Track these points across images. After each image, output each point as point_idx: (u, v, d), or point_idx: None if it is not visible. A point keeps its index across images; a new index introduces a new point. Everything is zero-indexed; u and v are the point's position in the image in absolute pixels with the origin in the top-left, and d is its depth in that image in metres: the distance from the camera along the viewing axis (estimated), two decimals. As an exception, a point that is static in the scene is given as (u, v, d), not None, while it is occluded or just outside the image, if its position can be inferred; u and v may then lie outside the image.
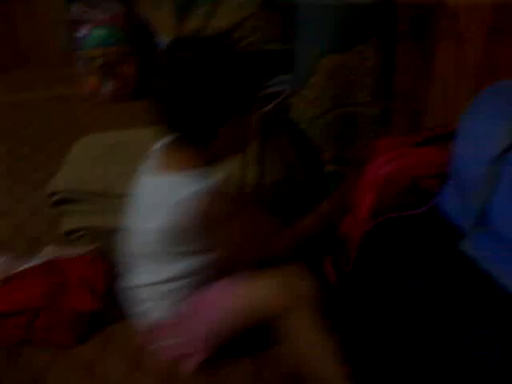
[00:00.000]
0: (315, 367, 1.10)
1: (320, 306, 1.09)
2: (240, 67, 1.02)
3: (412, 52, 1.72)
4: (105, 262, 1.44)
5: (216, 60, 0.98)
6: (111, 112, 2.73)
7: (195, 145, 1.04)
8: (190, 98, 0.98)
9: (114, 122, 2.56)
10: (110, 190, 1.50)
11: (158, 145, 1.15)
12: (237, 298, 1.11)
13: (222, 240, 1.07)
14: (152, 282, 1.13)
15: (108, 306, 1.37)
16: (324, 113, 1.63)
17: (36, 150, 2.34)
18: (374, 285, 1.12)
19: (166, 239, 1.06)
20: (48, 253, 1.48)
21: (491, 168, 0.99)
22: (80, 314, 1.33)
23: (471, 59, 1.47)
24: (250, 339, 1.19)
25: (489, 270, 0.97)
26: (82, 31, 2.67)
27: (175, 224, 1.02)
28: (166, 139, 1.11)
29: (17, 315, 1.31)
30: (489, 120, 1.05)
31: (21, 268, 1.41)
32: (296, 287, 1.09)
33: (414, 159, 1.29)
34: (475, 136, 1.07)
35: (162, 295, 1.14)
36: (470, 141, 1.08)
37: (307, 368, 1.11)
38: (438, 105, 1.65)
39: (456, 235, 1.06)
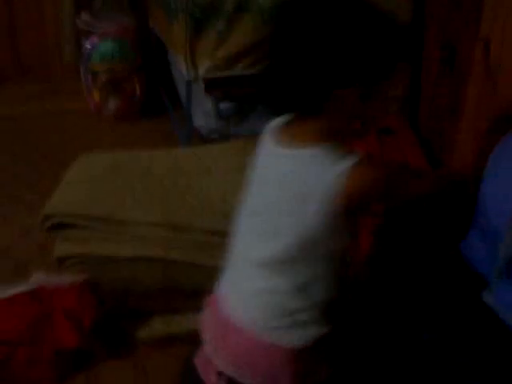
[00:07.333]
0: None
1: None
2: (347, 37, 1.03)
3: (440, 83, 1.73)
4: (94, 295, 1.43)
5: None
6: (115, 130, 2.73)
7: (310, 114, 1.04)
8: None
9: (118, 141, 2.58)
10: (109, 215, 1.49)
11: (270, 126, 1.12)
12: None
13: None
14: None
15: (93, 343, 1.37)
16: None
17: (32, 168, 2.35)
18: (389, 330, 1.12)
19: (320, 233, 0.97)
20: (36, 280, 1.48)
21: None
22: (63, 351, 1.33)
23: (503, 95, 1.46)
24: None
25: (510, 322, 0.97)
26: (89, 43, 2.69)
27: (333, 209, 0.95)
28: (279, 120, 1.10)
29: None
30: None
31: (5, 295, 1.41)
32: None
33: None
34: (504, 183, 1.07)
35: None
36: (497, 187, 1.09)
37: None
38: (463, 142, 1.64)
39: (479, 284, 1.07)
